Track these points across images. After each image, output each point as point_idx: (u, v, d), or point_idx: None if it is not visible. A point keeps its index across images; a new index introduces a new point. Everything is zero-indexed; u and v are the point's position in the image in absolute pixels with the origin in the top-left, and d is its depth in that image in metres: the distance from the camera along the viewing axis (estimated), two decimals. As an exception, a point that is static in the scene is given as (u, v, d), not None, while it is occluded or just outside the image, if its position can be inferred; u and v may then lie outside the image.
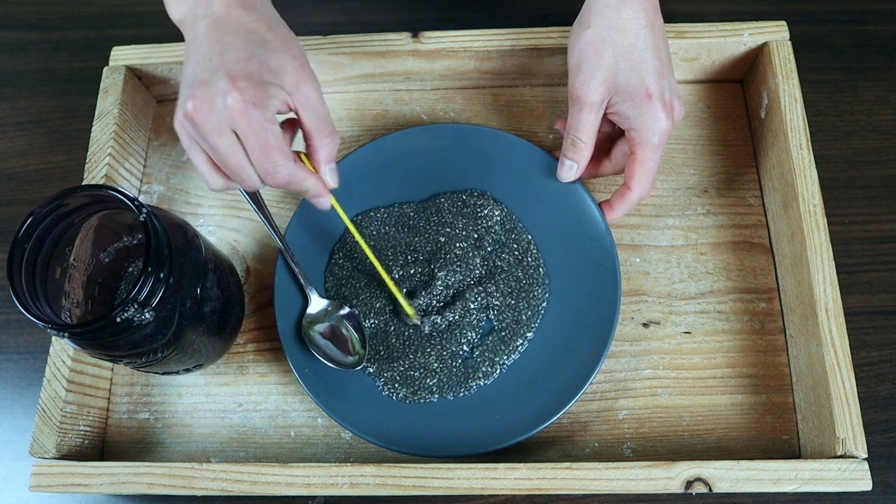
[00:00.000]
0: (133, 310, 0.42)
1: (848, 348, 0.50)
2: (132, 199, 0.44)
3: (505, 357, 0.55)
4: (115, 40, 0.66)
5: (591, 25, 0.51)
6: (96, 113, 0.62)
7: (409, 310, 0.56)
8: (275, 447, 0.55)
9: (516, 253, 0.58)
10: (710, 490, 0.47)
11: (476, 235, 0.59)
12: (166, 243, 0.44)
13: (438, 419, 0.54)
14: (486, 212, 0.59)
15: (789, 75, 0.59)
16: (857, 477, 0.47)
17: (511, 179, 0.60)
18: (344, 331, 0.56)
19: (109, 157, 0.60)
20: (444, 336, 0.56)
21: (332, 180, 0.51)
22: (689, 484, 0.47)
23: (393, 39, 0.63)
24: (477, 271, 0.58)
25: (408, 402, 0.54)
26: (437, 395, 0.54)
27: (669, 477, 0.48)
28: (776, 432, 0.54)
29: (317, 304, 0.56)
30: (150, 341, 0.45)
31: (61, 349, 0.54)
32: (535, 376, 0.54)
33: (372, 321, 0.57)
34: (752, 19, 0.61)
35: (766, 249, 0.59)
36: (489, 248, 0.59)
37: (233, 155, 0.46)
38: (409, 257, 0.59)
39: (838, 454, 0.48)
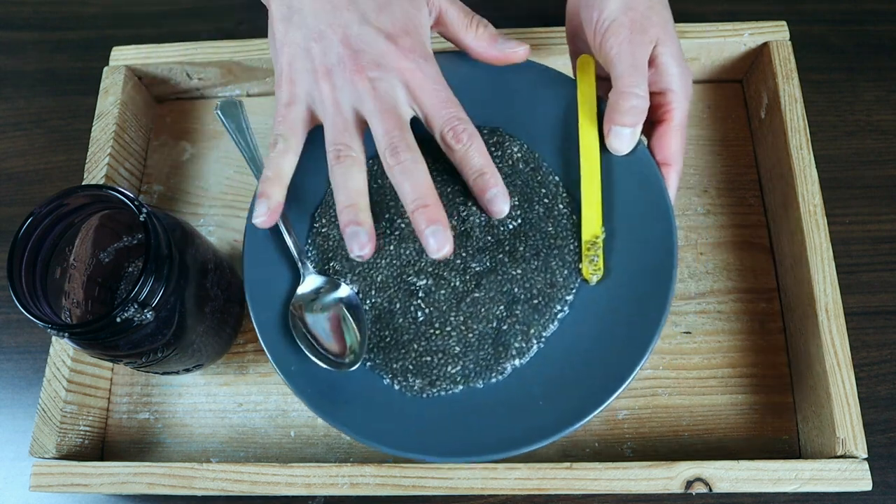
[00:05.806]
0: (133, 310, 0.42)
1: (848, 348, 0.50)
2: (132, 199, 0.44)
3: (541, 328, 0.45)
4: (115, 40, 0.65)
5: None
6: (96, 113, 0.62)
7: None
8: (275, 447, 0.55)
9: (545, 200, 0.47)
10: (710, 490, 0.47)
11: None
12: (166, 243, 0.44)
13: (466, 414, 0.44)
14: (500, 151, 0.48)
15: (789, 75, 0.59)
16: (857, 477, 0.47)
17: (526, 113, 0.49)
18: (342, 319, 0.46)
19: (109, 157, 0.60)
20: (465, 309, 0.46)
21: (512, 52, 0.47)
22: (689, 484, 0.47)
23: (393, 39, 0.62)
24: (511, 224, 0.47)
25: (425, 395, 0.45)
26: (461, 385, 0.44)
27: (669, 477, 0.48)
28: (776, 432, 0.54)
29: (311, 282, 0.46)
30: (150, 341, 0.46)
31: (61, 349, 0.54)
32: (583, 347, 0.44)
33: (373, 299, 0.46)
34: (752, 19, 0.61)
35: (766, 249, 0.59)
36: (516, 198, 0.47)
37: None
38: None
39: (838, 454, 0.48)
